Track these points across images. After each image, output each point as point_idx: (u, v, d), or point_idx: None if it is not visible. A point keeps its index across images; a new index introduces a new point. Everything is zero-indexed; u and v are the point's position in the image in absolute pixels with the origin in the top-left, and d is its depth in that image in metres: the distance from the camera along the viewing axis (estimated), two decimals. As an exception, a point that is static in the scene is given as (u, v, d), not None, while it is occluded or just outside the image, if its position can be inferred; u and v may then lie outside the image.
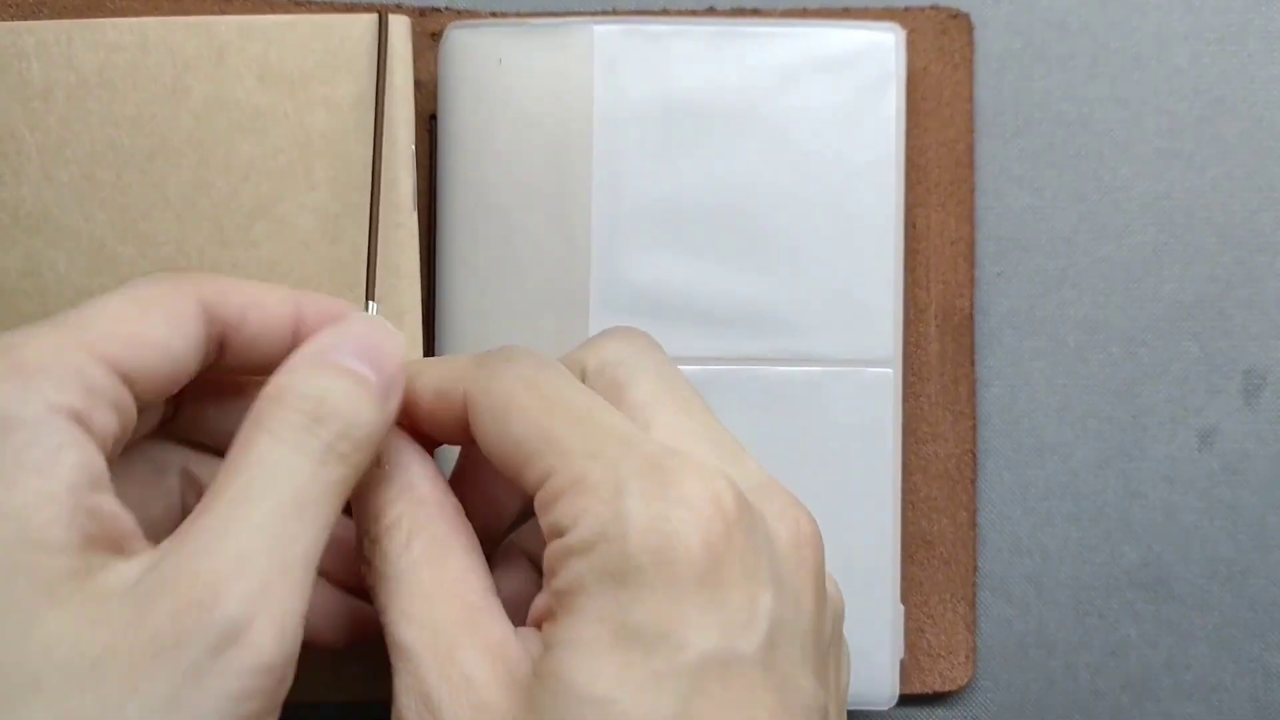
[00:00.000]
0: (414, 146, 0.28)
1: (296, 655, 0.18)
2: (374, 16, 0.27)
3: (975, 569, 0.30)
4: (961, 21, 0.30)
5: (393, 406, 0.20)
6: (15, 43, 0.27)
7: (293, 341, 0.22)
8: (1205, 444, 0.31)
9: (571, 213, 0.28)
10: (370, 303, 0.26)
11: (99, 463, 0.18)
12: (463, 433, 0.21)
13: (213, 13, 0.29)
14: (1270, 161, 0.31)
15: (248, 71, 0.28)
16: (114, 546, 0.18)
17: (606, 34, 0.28)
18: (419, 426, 0.22)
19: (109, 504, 0.18)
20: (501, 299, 0.29)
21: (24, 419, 0.17)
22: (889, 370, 0.28)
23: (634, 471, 0.18)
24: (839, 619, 0.21)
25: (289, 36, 0.27)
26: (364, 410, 0.20)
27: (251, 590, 0.17)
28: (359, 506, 0.21)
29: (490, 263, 0.29)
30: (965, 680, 0.30)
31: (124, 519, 0.18)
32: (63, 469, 0.17)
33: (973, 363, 0.30)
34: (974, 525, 0.30)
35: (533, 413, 0.19)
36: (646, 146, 0.28)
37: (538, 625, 0.19)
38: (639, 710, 0.17)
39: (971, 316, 0.30)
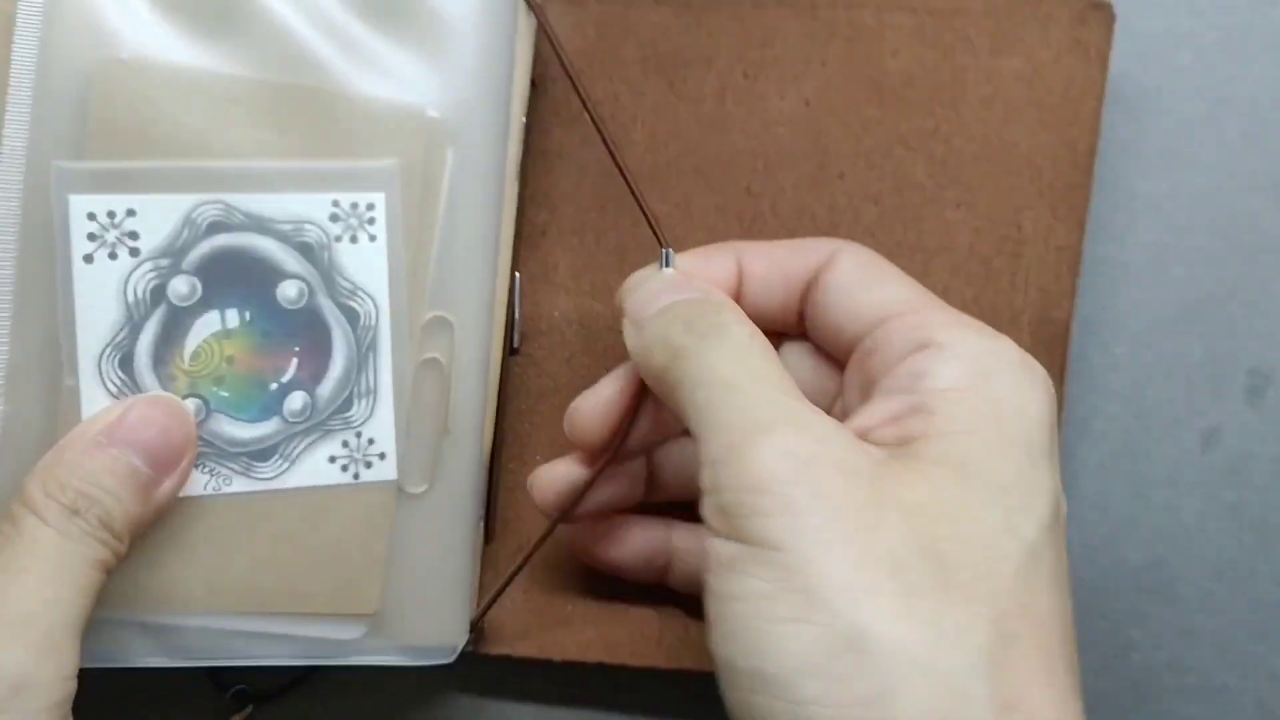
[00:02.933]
0: (525, 118, 0.28)
1: (73, 694, 0.22)
2: None
3: None
4: (1104, 13, 0.28)
5: (168, 489, 0.25)
6: None
7: None
8: (1209, 445, 0.30)
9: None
10: (515, 274, 0.26)
11: None
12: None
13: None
14: (1275, 162, 0.30)
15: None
16: None
17: None
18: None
19: None
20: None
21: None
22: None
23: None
24: None
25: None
26: (126, 500, 0.24)
27: (38, 645, 0.21)
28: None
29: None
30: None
31: None
32: None
33: (1064, 379, 0.29)
34: None
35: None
36: None
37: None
38: None
39: (1068, 329, 0.28)
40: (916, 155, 0.29)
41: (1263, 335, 0.31)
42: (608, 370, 0.28)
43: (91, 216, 0.25)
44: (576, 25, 0.30)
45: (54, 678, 0.22)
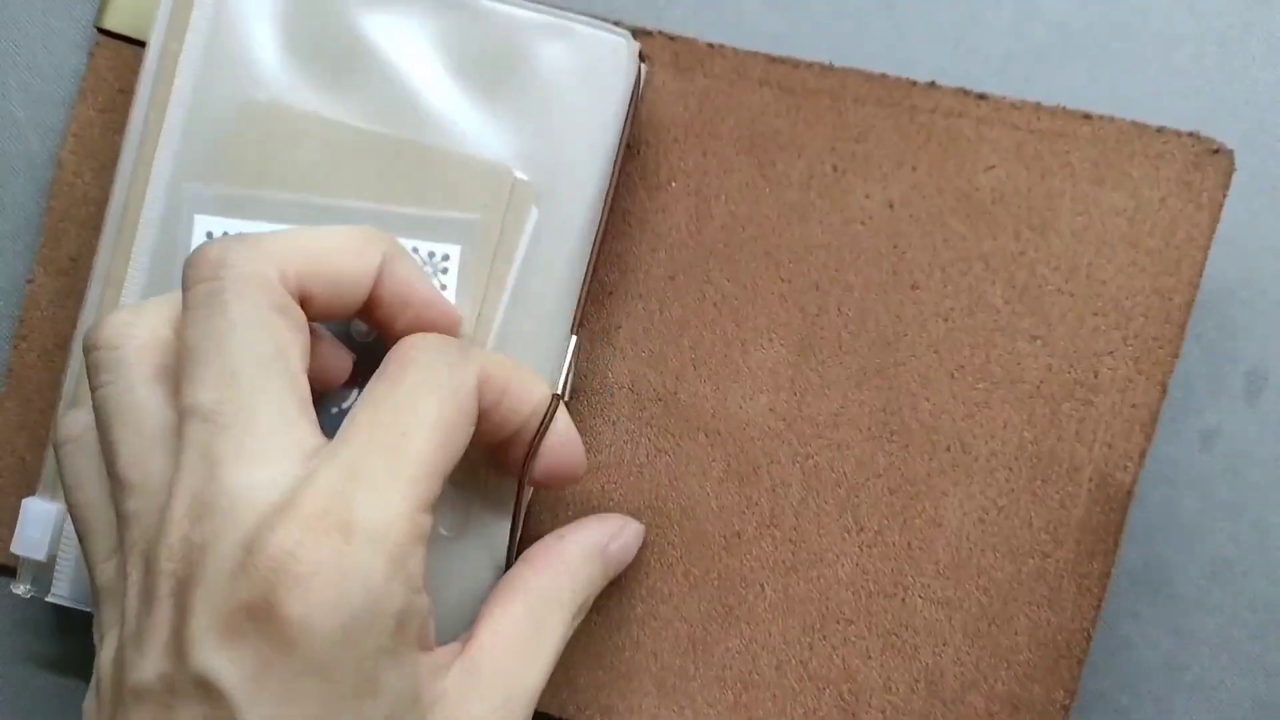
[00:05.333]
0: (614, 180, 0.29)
1: None
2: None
3: None
4: (1221, 160, 0.27)
5: None
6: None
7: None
8: (1207, 445, 0.31)
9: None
10: (572, 335, 0.27)
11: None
12: None
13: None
14: (1272, 163, 0.30)
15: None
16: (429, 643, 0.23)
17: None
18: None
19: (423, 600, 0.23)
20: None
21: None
22: None
23: None
24: None
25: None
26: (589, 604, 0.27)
27: None
28: None
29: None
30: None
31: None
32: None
33: (1117, 542, 0.27)
34: (1067, 712, 0.27)
35: None
36: None
37: None
38: None
39: (1130, 492, 0.27)
40: (996, 277, 0.27)
41: (1261, 336, 0.31)
42: (652, 438, 0.29)
43: (209, 235, 0.28)
44: (680, 95, 0.30)
45: None
